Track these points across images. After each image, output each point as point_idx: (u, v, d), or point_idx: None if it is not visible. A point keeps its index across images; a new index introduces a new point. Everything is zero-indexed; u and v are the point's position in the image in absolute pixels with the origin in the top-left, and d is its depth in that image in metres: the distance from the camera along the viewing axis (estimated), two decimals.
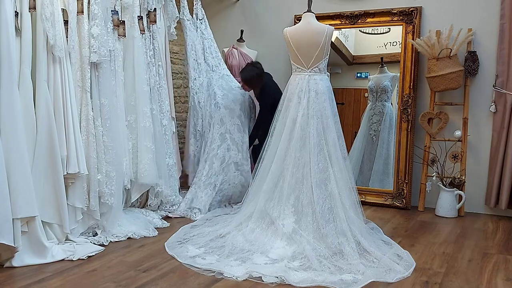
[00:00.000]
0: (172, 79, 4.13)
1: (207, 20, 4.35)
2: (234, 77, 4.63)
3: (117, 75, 3.35)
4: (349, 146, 4.34)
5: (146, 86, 3.55)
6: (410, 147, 4.25)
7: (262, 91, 4.15)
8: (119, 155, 3.23)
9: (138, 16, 3.52)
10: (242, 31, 4.88)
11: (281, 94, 3.39)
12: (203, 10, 4.31)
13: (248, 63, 4.23)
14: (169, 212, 3.75)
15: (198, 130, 4.12)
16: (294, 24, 4.51)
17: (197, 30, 4.24)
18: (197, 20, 4.26)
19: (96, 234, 3.10)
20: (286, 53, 3.44)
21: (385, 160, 4.51)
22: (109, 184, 3.11)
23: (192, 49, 4.15)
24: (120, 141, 3.28)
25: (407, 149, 4.25)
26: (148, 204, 3.72)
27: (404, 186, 4.23)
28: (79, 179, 2.95)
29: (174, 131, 3.96)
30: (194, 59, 4.15)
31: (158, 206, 3.77)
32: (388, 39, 4.57)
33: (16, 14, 2.67)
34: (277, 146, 3.23)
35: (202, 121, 4.11)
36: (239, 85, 4.26)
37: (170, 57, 4.13)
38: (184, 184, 4.21)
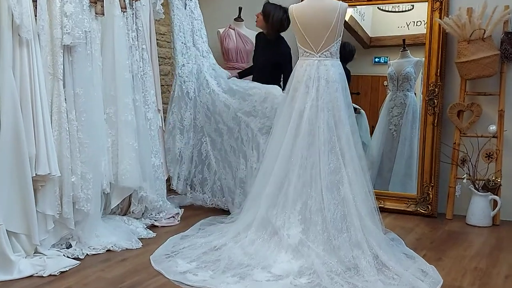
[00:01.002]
0: (159, 65, 4.15)
1: None
2: (231, 62, 4.70)
3: (94, 60, 3.35)
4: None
5: (128, 73, 3.55)
6: (437, 144, 4.27)
7: (282, 41, 4.16)
8: (96, 154, 3.23)
9: None
10: (240, 9, 4.87)
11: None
12: None
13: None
14: (155, 220, 3.78)
15: (186, 125, 4.15)
16: (301, 1, 4.45)
17: (185, 8, 4.25)
18: None
19: (70, 246, 3.11)
20: (292, 34, 3.44)
21: (407, 159, 4.54)
22: (85, 188, 3.11)
23: (180, 30, 4.16)
24: (98, 137, 3.28)
25: (433, 146, 4.27)
26: (131, 211, 3.73)
27: (430, 190, 4.26)
28: (50, 182, 2.96)
29: (161, 125, 3.98)
30: (182, 42, 4.16)
31: (142, 214, 3.78)
32: (412, 18, 4.57)
33: None
34: (281, 143, 3.24)
35: (193, 114, 4.13)
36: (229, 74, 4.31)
37: (157, 39, 4.14)
38: (167, 188, 4.21)
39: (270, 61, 4.15)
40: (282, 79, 4.21)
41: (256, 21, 4.19)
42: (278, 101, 3.79)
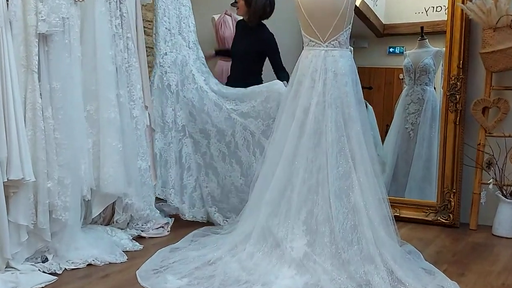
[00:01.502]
0: (147, 56, 4.11)
1: None
2: (227, 52, 4.65)
3: (73, 51, 3.32)
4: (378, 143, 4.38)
5: (111, 65, 3.54)
6: (459, 145, 4.26)
7: (264, 29, 4.25)
8: (75, 156, 3.22)
9: None
10: None
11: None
12: None
13: None
14: (142, 231, 3.77)
15: (167, 122, 4.12)
16: None
17: None
18: None
19: (47, 259, 3.08)
20: (296, 22, 3.42)
21: (426, 162, 4.55)
22: (62, 195, 3.10)
23: (165, 14, 4.13)
24: (77, 137, 3.27)
25: (455, 148, 4.26)
26: (115, 220, 3.72)
27: (451, 196, 4.25)
28: (24, 187, 2.93)
29: (148, 124, 3.96)
30: (166, 28, 4.13)
31: (128, 223, 3.78)
32: (431, 3, 4.59)
33: None
34: (283, 143, 3.23)
35: (174, 110, 4.11)
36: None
37: (144, 27, 4.09)
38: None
39: (252, 49, 4.21)
40: (273, 70, 4.27)
41: (237, 9, 4.24)
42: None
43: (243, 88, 4.10)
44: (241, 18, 4.60)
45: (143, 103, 3.85)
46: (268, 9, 4.18)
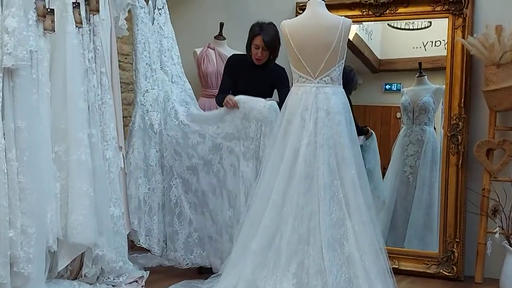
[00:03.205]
0: (122, 92, 4.13)
1: (168, 11, 4.37)
2: (209, 88, 4.68)
3: (41, 87, 3.34)
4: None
5: (82, 103, 3.53)
6: (462, 190, 4.26)
7: (278, 65, 4.19)
8: (41, 202, 3.19)
9: (73, 3, 3.51)
10: (221, 25, 4.90)
11: None
12: None
13: (256, 23, 4.12)
14: (113, 286, 3.71)
15: (151, 165, 4.11)
16: (296, 16, 4.58)
17: (153, 23, 4.26)
18: (155, 9, 4.28)
19: None
20: (285, 56, 3.52)
21: (426, 209, 4.53)
22: (25, 245, 3.06)
23: (145, 49, 4.17)
24: (43, 181, 3.25)
25: (457, 193, 4.26)
26: (83, 274, 3.65)
27: (455, 247, 4.23)
28: None
29: (122, 166, 3.95)
30: (146, 63, 4.16)
31: (98, 277, 3.71)
32: (429, 37, 4.61)
33: None
34: (271, 188, 3.25)
35: (159, 151, 4.11)
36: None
37: (119, 61, 4.14)
38: (131, 244, 4.17)
39: (266, 87, 4.12)
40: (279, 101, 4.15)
41: (257, 59, 4.07)
42: (263, 117, 3.84)
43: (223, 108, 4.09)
44: (225, 53, 4.63)
45: (117, 143, 3.84)
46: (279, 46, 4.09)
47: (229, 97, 3.98)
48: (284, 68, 4.14)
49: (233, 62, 4.30)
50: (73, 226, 3.43)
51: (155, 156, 4.13)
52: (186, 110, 4.19)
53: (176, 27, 4.47)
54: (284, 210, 3.18)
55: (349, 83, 4.08)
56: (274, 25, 4.03)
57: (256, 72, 4.14)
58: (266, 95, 4.06)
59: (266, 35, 3.99)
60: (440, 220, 4.31)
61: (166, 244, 4.22)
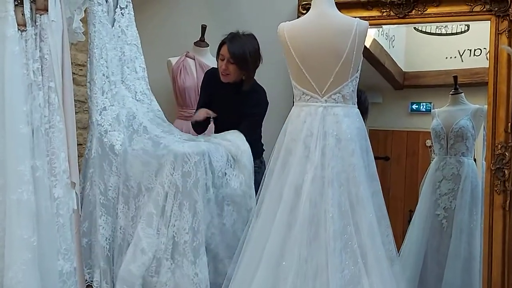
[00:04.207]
0: (76, 113, 3.95)
1: (133, 12, 4.19)
2: (187, 108, 4.59)
3: None
4: (399, 236, 4.23)
5: (24, 127, 3.32)
6: (511, 239, 4.03)
7: (256, 88, 4.08)
8: None
9: (14, 1, 3.35)
10: (204, 28, 4.79)
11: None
12: None
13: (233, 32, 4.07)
14: None
15: (112, 198, 3.86)
16: (298, 17, 4.43)
17: (113, 25, 4.09)
18: (116, 8, 4.12)
19: None
20: (284, 67, 3.38)
21: (465, 262, 4.32)
22: None
23: (102, 56, 3.97)
24: None
25: (504, 242, 4.02)
26: None
27: None
28: None
29: (75, 208, 3.70)
30: (104, 74, 3.96)
31: None
32: (467, 45, 4.53)
33: None
34: (266, 236, 3.13)
35: (122, 176, 3.85)
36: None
37: (73, 73, 3.99)
38: None
39: (240, 107, 4.03)
40: (240, 129, 4.05)
41: (222, 74, 3.98)
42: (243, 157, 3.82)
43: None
44: (208, 63, 4.56)
45: (68, 178, 3.59)
46: (258, 58, 4.01)
47: (199, 112, 4.04)
48: (263, 90, 4.08)
49: (210, 76, 4.23)
50: (10, 284, 3.20)
51: (115, 185, 3.89)
52: (161, 130, 3.98)
53: (144, 31, 4.32)
54: (282, 265, 3.04)
55: (359, 105, 4.00)
56: (255, 38, 4.01)
57: (230, 93, 4.05)
58: (237, 122, 3.98)
59: (234, 44, 3.93)
60: (482, 277, 4.07)
61: None
